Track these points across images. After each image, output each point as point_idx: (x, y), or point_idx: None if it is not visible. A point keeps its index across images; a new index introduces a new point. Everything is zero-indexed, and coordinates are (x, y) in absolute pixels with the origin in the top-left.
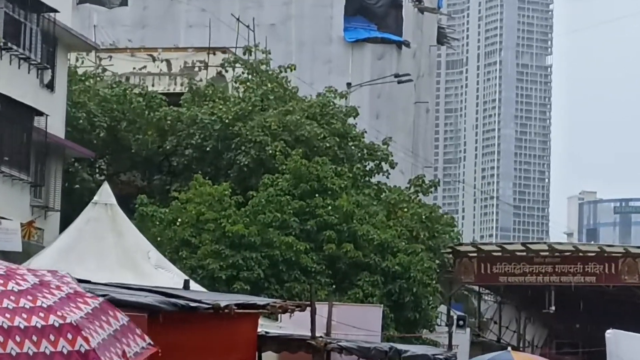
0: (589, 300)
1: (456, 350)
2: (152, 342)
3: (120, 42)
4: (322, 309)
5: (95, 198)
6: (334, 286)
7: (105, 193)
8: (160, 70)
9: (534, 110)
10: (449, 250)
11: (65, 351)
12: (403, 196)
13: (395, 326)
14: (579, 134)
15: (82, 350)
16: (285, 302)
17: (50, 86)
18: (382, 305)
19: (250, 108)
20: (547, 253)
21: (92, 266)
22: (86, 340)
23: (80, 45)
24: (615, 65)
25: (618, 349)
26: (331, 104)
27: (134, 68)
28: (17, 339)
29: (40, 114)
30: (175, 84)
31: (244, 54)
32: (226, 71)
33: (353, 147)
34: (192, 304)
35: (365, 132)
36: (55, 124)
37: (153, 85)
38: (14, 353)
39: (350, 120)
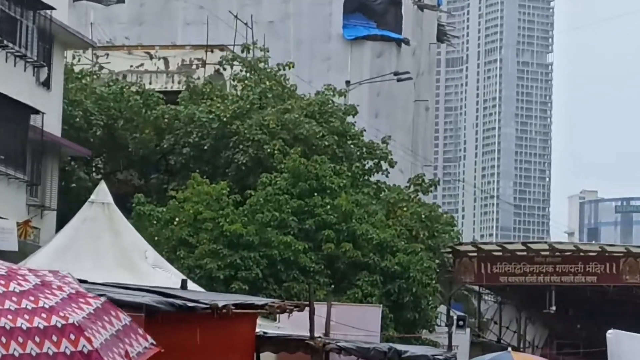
0: (590, 301)
1: (456, 350)
2: (154, 342)
3: (117, 39)
4: (320, 309)
5: (92, 197)
6: (332, 286)
7: (102, 192)
8: (158, 68)
9: (535, 109)
10: (449, 249)
11: (68, 352)
12: (402, 195)
13: (394, 326)
14: (580, 133)
15: (85, 350)
16: (283, 302)
17: (46, 84)
18: (381, 305)
19: (248, 106)
20: (547, 253)
21: (88, 266)
22: (89, 340)
23: (77, 42)
24: (616, 63)
25: (619, 349)
26: (330, 102)
27: (131, 66)
28: (20, 339)
29: (37, 112)
30: (173, 82)
31: (242, 51)
32: (224, 69)
33: (352, 146)
34: (190, 304)
35: (365, 130)
36: (51, 122)
37: (150, 83)
38: (16, 354)
39: (349, 119)
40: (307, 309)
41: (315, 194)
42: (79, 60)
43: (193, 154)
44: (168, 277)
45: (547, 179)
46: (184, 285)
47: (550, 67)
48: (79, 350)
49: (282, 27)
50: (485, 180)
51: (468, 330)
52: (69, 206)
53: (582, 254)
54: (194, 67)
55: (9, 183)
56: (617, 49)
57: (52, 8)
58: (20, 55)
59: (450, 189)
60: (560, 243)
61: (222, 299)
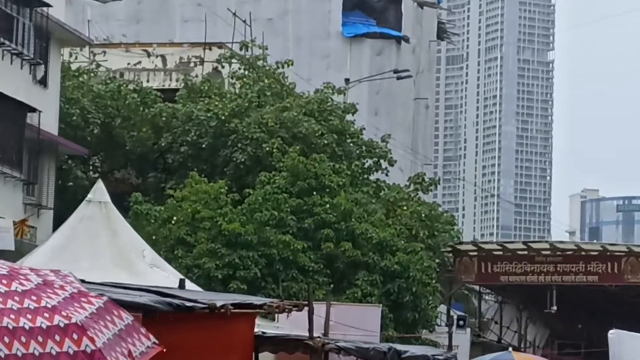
0: (592, 300)
1: (456, 350)
2: (156, 342)
3: (114, 37)
4: (319, 308)
5: (89, 196)
6: (331, 285)
7: (99, 191)
8: (155, 65)
9: (536, 107)
10: (449, 249)
11: (71, 351)
12: (402, 194)
13: (394, 326)
14: (581, 131)
15: (88, 350)
16: (282, 302)
17: (43, 82)
18: (380, 305)
19: (246, 104)
20: (548, 252)
21: (86, 265)
22: (92, 340)
23: (74, 40)
24: (617, 60)
25: (621, 349)
26: (329, 100)
27: (129, 64)
28: (23, 339)
29: (33, 110)
30: (171, 79)
31: (241, 49)
32: (222, 67)
33: (351, 144)
34: (188, 304)
35: (364, 128)
36: (48, 121)
37: (148, 81)
38: (19, 354)
39: (349, 117)
40: (306, 308)
41: (314, 192)
42: (76, 58)
43: (191, 153)
44: (166, 276)
45: (548, 178)
46: (181, 285)
47: (551, 64)
48: (82, 350)
49: (280, 24)
50: (485, 178)
51: (468, 330)
52: (66, 205)
53: (583, 253)
54: (192, 64)
55: (5, 182)
56: (618, 47)
57: (48, 5)
58: (16, 53)
59: (450, 187)
60: (562, 242)
61: (220, 299)
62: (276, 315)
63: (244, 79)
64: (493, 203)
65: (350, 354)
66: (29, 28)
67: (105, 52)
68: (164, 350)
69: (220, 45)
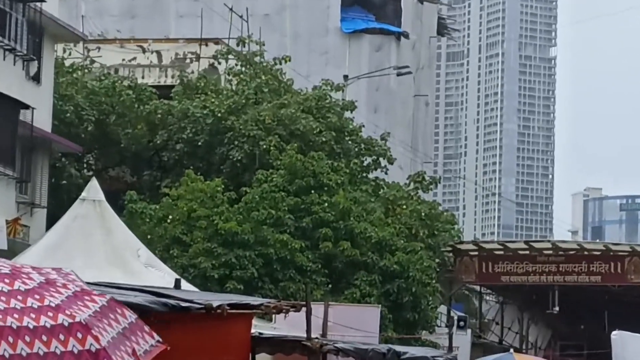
0: (594, 301)
1: (457, 352)
2: (160, 340)
3: (108, 32)
4: (317, 309)
5: (83, 194)
6: (330, 286)
7: (94, 189)
8: (151, 62)
9: (538, 104)
10: (449, 248)
11: (75, 350)
12: (402, 193)
13: (393, 327)
14: (584, 129)
15: (93, 349)
16: (279, 302)
17: (36, 78)
18: (380, 305)
19: (243, 101)
20: (550, 252)
21: (79, 264)
22: (96, 339)
23: (68, 36)
24: (619, 57)
25: (624, 350)
26: (327, 97)
27: (123, 60)
28: (27, 339)
29: (26, 107)
30: (166, 76)
31: (237, 45)
32: (219, 63)
33: (350, 142)
34: (184, 304)
35: (363, 126)
36: (41, 118)
37: (143, 78)
38: (24, 353)
39: (347, 114)
40: (303, 309)
41: (312, 191)
42: (69, 54)
43: (187, 150)
44: (161, 276)
45: (550, 176)
46: (177, 285)
47: (553, 61)
48: (87, 349)
49: (278, 19)
50: (486, 177)
51: (469, 331)
52: (59, 203)
53: (586, 253)
54: (187, 61)
55: None
56: (621, 43)
57: (42, 0)
58: (9, 48)
59: (450, 186)
60: (564, 242)
61: (216, 299)
62: (273, 315)
63: (241, 76)
64: (494, 202)
65: (349, 355)
66: (22, 23)
67: (99, 48)
68: (168, 348)
69: (216, 41)
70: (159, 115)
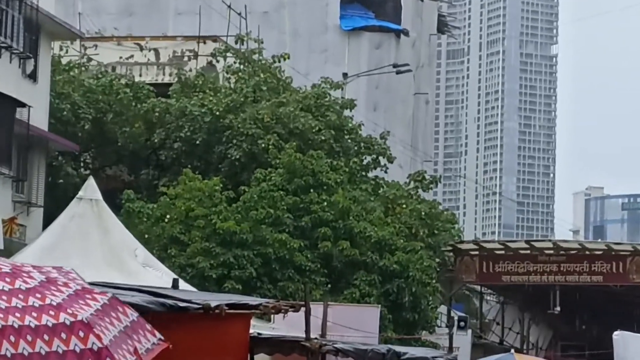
0: (596, 301)
1: (457, 352)
2: (162, 338)
3: (106, 30)
4: (317, 309)
5: (80, 193)
6: (329, 285)
7: (91, 188)
8: (148, 59)
9: (539, 102)
10: (450, 248)
11: (77, 349)
12: (402, 192)
13: (393, 327)
14: (585, 127)
15: (95, 348)
16: (278, 302)
17: (32, 76)
18: (379, 305)
19: (242, 99)
20: (551, 251)
21: (76, 264)
22: (98, 337)
23: (64, 33)
24: (621, 54)
25: (626, 351)
26: (327, 95)
27: (121, 57)
28: (29, 338)
29: (23, 105)
30: (164, 74)
31: (236, 42)
32: (217, 61)
33: (349, 141)
34: (181, 304)
35: (362, 124)
36: (38, 116)
37: (140, 76)
38: (26, 353)
39: (347, 113)
40: (302, 309)
41: (311, 190)
42: (66, 52)
43: (185, 149)
44: (159, 276)
45: (552, 175)
46: (175, 285)
47: (554, 59)
48: (89, 348)
49: (277, 17)
50: (487, 176)
51: (469, 331)
52: (56, 203)
53: (587, 252)
54: (185, 58)
55: None
56: (622, 41)
57: None
58: (5, 46)
59: (451, 185)
60: (565, 241)
61: (214, 299)
62: (272, 316)
63: (239, 74)
64: (495, 201)
65: (348, 356)
66: (18, 21)
67: (96, 46)
68: (170, 346)
69: (214, 39)
70: (157, 114)
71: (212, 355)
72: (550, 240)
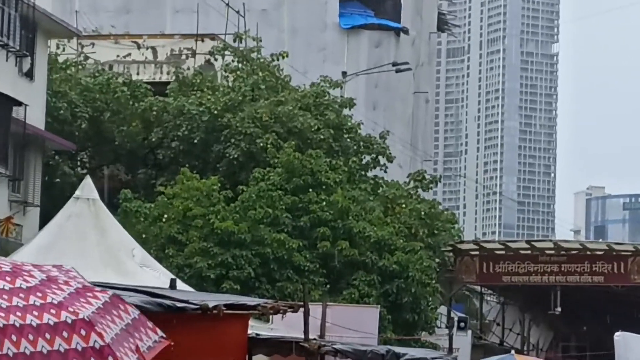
0: (597, 301)
1: (457, 353)
2: (164, 335)
3: (103, 28)
4: (315, 309)
5: (77, 193)
6: (328, 286)
7: (88, 187)
8: (146, 58)
9: (539, 101)
10: (450, 248)
11: (79, 348)
12: (401, 191)
13: (392, 328)
14: (586, 126)
15: (97, 346)
16: (277, 303)
17: (29, 75)
18: (379, 306)
19: (240, 98)
20: (552, 251)
21: (73, 264)
22: (100, 335)
23: (61, 31)
24: (622, 53)
25: (627, 352)
26: (326, 94)
27: (118, 56)
28: (30, 337)
29: (19, 104)
30: (161, 72)
31: (234, 41)
32: (215, 59)
33: (348, 140)
34: (179, 305)
35: (362, 123)
36: (34, 115)
37: (138, 74)
38: (27, 352)
39: (346, 111)
40: (301, 309)
41: (310, 189)
42: (63, 50)
43: (182, 148)
44: (156, 276)
45: (552, 175)
46: (173, 285)
47: (555, 57)
48: (91, 346)
49: (275, 15)
50: (487, 175)
51: (469, 332)
52: (52, 202)
53: (588, 252)
54: (183, 57)
55: None
56: (623, 40)
57: None
58: (2, 44)
59: (451, 185)
60: (566, 241)
61: (212, 299)
62: (270, 316)
63: (238, 72)
64: (495, 201)
65: (347, 357)
66: (14, 19)
67: (93, 44)
68: (172, 344)
69: (212, 37)
70: (154, 113)
71: (210, 356)
72: (551, 241)
